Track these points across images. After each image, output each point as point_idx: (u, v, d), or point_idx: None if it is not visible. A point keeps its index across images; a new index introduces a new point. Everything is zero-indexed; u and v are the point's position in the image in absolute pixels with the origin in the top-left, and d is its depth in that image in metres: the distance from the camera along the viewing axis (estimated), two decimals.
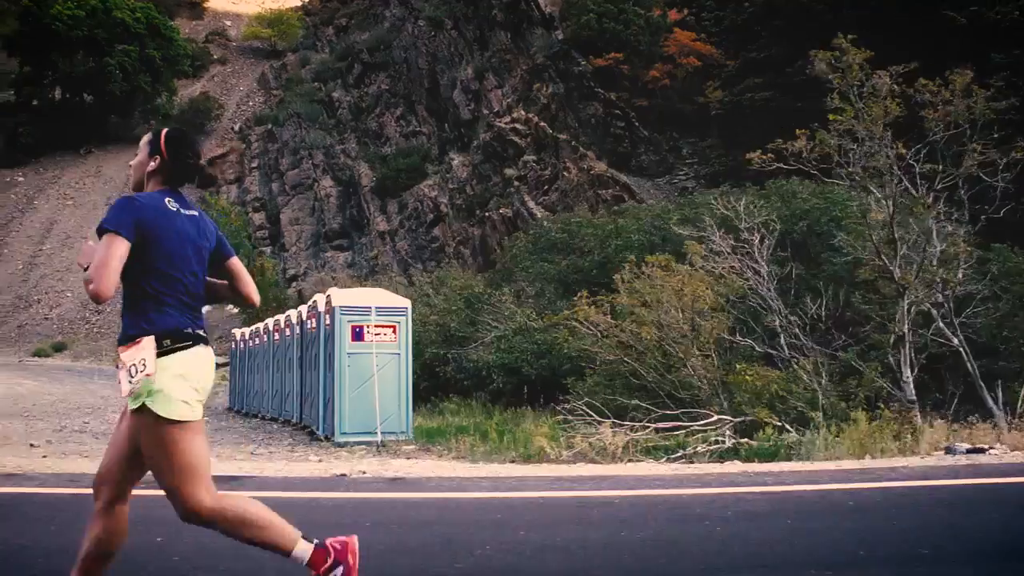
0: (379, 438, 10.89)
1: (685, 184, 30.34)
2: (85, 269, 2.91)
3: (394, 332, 11.79)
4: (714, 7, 37.00)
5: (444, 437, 10.98)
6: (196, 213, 3.17)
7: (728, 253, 11.36)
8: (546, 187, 28.28)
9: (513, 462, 8.72)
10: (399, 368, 11.70)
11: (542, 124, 29.87)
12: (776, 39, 26.50)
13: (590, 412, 9.63)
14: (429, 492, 6.16)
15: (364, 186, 38.15)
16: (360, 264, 34.54)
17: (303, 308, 14.40)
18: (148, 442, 2.90)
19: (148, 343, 2.90)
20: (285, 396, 14.41)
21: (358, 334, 11.65)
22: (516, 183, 29.07)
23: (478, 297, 16.83)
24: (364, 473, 7.11)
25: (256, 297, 3.33)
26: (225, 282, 3.31)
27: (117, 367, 2.98)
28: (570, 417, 9.78)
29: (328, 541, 3.01)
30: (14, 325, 36.93)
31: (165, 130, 3.32)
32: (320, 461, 8.89)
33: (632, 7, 34.92)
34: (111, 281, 2.83)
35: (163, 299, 2.97)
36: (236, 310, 37.31)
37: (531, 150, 29.99)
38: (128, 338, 2.93)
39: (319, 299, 12.57)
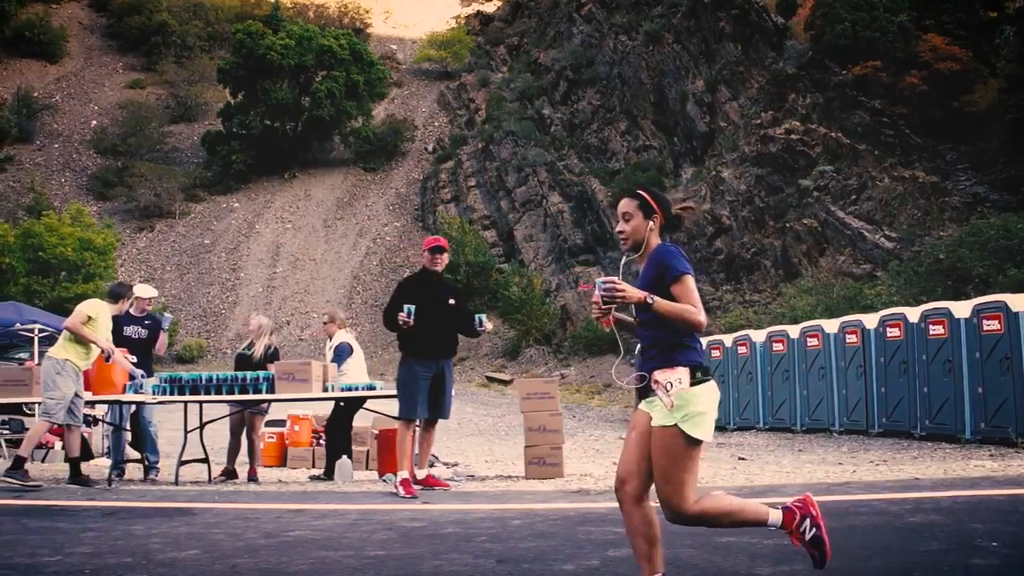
0: None
1: (975, 191, 30.23)
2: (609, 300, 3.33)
3: None
4: (954, 9, 37.11)
5: None
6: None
7: None
8: (853, 197, 28.39)
9: None
10: None
11: (835, 134, 30.02)
12: None
13: None
14: None
15: (600, 201, 38.58)
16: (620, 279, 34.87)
17: (867, 317, 14.76)
18: (669, 454, 3.28)
19: (683, 372, 3.32)
20: (849, 405, 14.71)
21: None
22: (816, 193, 29.22)
23: None
24: None
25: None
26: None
27: (651, 388, 3.35)
28: None
29: (789, 502, 3.44)
30: None
31: (646, 191, 3.60)
32: None
33: (883, 14, 35.04)
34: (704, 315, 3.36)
35: (693, 336, 3.41)
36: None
37: (824, 160, 30.15)
38: (667, 364, 3.33)
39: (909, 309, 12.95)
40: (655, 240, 3.53)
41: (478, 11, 63.61)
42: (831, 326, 15.72)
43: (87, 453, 12.07)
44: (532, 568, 4.07)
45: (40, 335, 14.21)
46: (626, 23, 46.14)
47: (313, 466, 11.13)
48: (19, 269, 30.41)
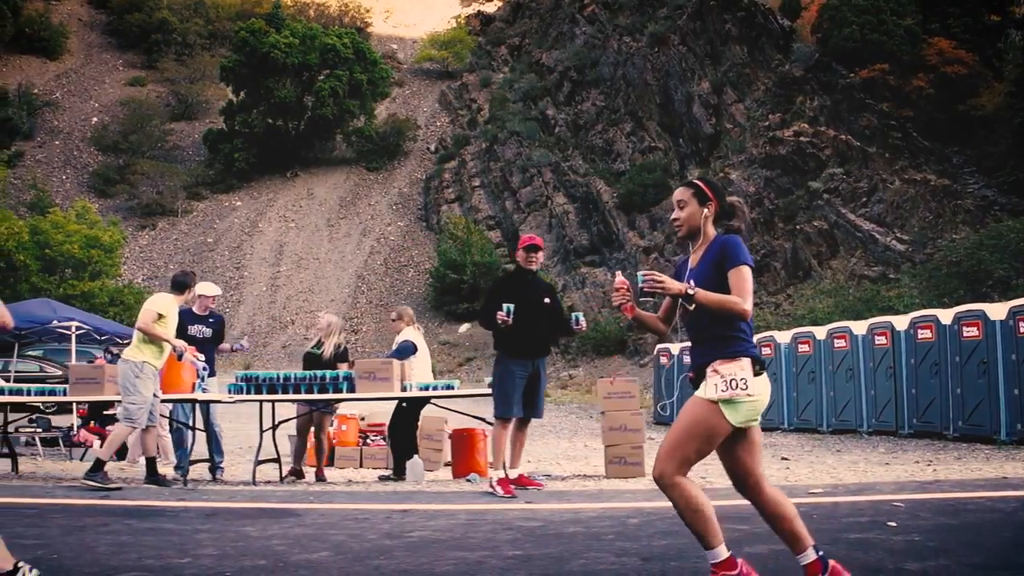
0: None
1: (983, 194, 30.41)
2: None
3: None
4: (960, 13, 37.33)
5: None
6: None
7: None
8: (864, 199, 28.55)
9: None
10: None
11: (845, 137, 30.19)
12: None
13: None
14: None
15: (606, 202, 38.69)
16: (631, 280, 34.93)
17: (897, 319, 14.91)
18: (694, 422, 3.34)
19: (747, 364, 3.38)
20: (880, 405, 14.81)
21: None
22: (826, 195, 29.37)
23: None
24: None
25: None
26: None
27: (706, 374, 3.41)
28: None
29: (740, 559, 3.40)
30: (277, 346, 37.86)
31: (703, 180, 3.73)
32: None
33: (890, 17, 35.25)
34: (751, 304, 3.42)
35: (749, 328, 3.49)
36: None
37: (833, 162, 30.30)
38: (729, 355, 3.39)
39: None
40: (711, 228, 3.62)
41: (478, 11, 63.58)
42: (859, 327, 15.82)
43: (123, 451, 12.04)
44: (681, 566, 4.12)
45: (77, 332, 14.15)
46: (629, 24, 46.21)
47: (361, 465, 11.16)
48: (32, 267, 30.27)
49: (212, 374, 8.66)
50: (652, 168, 38.59)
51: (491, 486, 6.65)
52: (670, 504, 3.32)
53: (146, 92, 53.34)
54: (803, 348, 16.98)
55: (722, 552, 3.34)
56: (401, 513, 5.81)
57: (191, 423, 8.68)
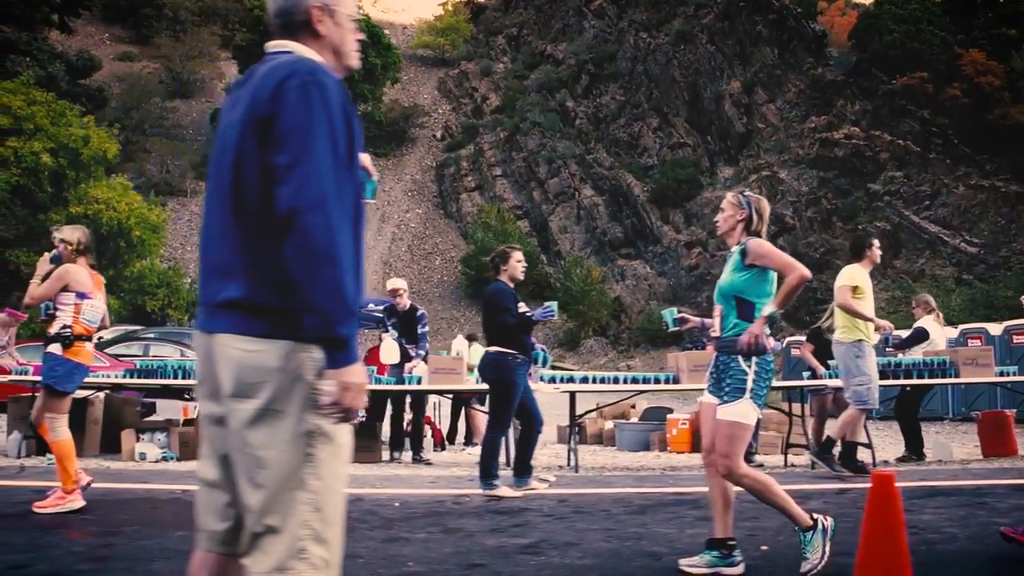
0: None
1: None
2: None
3: None
4: (986, 26, 39.12)
5: None
6: None
7: None
8: (927, 202, 29.74)
9: None
10: None
11: (903, 142, 31.36)
12: None
13: None
14: None
15: (637, 196, 39.23)
16: (673, 274, 35.62)
17: None
18: None
19: None
20: None
21: None
22: (886, 197, 30.49)
23: None
24: None
25: None
26: None
27: None
28: None
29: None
30: None
31: None
32: None
33: (927, 27, 36.74)
34: None
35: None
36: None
37: (891, 166, 31.44)
38: None
39: None
40: None
41: None
42: (995, 329, 16.51)
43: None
44: None
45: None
46: (645, 20, 46.78)
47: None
48: (153, 247, 29.00)
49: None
50: (684, 164, 39.25)
51: None
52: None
53: (139, 68, 51.42)
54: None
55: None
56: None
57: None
